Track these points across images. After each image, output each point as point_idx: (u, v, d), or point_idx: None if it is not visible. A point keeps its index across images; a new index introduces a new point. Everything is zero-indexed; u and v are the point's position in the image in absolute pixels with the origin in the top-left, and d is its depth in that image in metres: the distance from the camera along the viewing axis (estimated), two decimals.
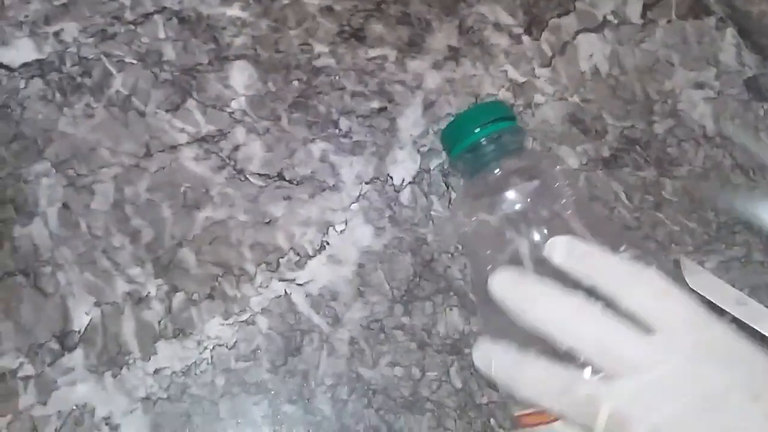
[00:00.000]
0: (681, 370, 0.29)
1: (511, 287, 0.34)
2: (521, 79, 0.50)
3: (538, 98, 0.50)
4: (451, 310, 0.45)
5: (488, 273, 0.38)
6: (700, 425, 0.28)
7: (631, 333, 0.31)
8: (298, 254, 0.45)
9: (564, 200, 0.39)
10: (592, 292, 0.32)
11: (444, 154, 0.48)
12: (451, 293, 0.45)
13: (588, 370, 0.33)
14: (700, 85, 0.53)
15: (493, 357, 0.34)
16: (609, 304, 0.32)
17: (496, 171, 0.41)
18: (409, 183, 0.47)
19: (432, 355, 0.44)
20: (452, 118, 0.43)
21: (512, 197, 0.39)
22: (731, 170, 0.51)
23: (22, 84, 0.45)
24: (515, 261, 0.38)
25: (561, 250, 0.34)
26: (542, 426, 0.33)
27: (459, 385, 0.44)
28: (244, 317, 0.43)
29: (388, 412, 0.43)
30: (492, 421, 0.43)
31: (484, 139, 0.41)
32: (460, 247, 0.46)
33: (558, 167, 0.41)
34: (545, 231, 0.38)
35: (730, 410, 0.28)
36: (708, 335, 0.30)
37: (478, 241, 0.41)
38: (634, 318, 0.31)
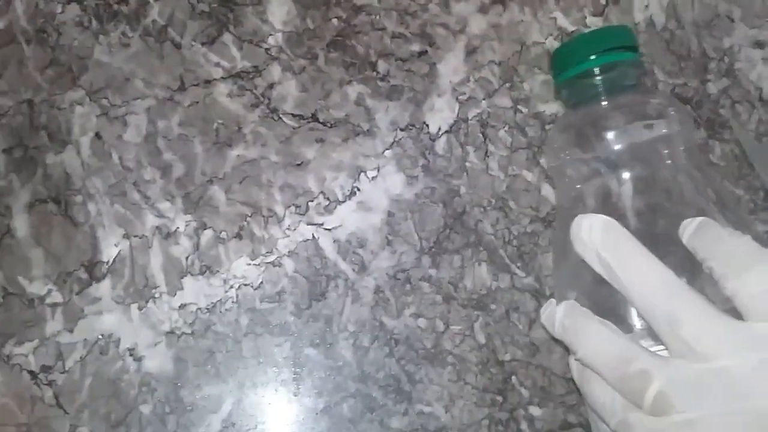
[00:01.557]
0: (749, 370, 0.27)
1: (602, 234, 0.32)
2: (571, 28, 0.48)
3: None
4: (479, 265, 0.44)
5: (573, 211, 0.36)
6: None
7: (713, 317, 0.28)
8: (327, 198, 0.44)
9: (669, 151, 0.36)
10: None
11: (486, 103, 0.46)
12: (481, 248, 0.44)
13: (648, 342, 0.31)
14: (760, 45, 0.50)
15: (557, 316, 0.34)
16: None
17: (603, 104, 0.37)
18: (446, 132, 0.46)
19: (457, 309, 0.44)
20: (569, 39, 0.39)
21: (615, 137, 0.36)
22: None
23: (59, 9, 0.45)
24: (603, 205, 0.36)
25: (689, 230, 0.32)
26: None
27: (482, 340, 0.43)
28: (271, 259, 0.43)
29: (409, 362, 0.43)
30: (513, 378, 0.43)
31: (597, 67, 0.38)
32: (493, 201, 0.45)
33: (675, 113, 0.37)
34: (643, 181, 0.35)
35: None
36: None
37: (569, 177, 0.38)
38: (732, 302, 0.29)
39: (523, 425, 0.43)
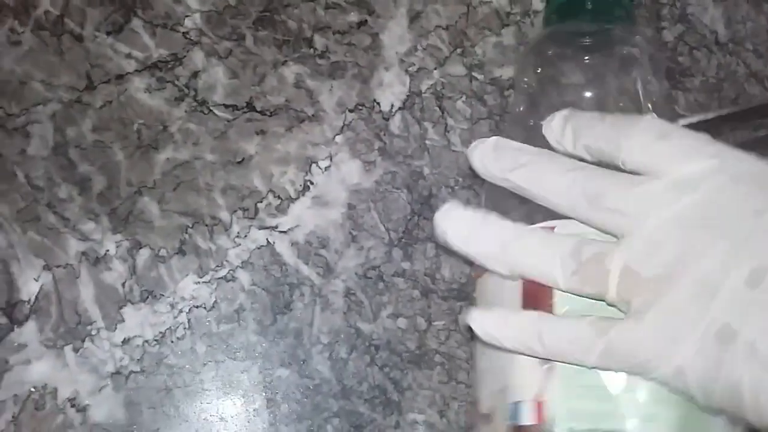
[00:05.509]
0: (693, 209, 0.26)
1: (494, 155, 0.30)
2: None
3: (537, 4, 0.47)
4: None
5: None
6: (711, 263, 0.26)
7: (627, 180, 0.28)
8: (278, 197, 0.41)
9: (641, 83, 0.37)
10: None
11: (438, 72, 0.44)
12: None
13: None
14: None
15: (481, 232, 0.30)
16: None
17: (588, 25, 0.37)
18: (399, 109, 0.44)
19: (438, 302, 0.42)
20: None
21: (592, 62, 0.36)
22: (746, 79, 0.49)
23: None
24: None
25: (555, 127, 0.31)
26: None
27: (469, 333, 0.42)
28: (223, 273, 0.40)
29: (394, 368, 0.41)
30: None
31: None
32: (460, 180, 0.43)
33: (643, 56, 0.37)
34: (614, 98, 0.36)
35: (747, 246, 0.25)
36: (726, 176, 0.27)
37: (539, 92, 0.38)
38: (635, 171, 0.29)
39: None
